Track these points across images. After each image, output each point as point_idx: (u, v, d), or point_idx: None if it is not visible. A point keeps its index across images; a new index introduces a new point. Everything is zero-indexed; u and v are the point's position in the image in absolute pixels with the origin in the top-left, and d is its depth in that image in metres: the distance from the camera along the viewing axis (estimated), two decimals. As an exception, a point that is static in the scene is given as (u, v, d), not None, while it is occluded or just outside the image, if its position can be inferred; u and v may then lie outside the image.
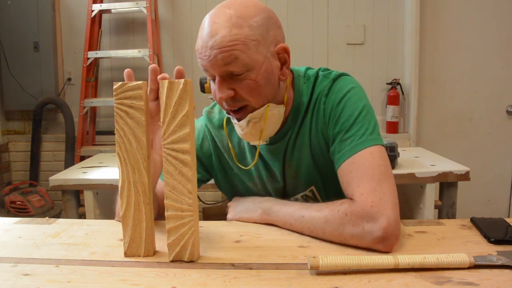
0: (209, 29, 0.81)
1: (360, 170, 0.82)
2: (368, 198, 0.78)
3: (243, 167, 1.00)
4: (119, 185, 0.75)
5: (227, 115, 0.94)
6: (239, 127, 0.90)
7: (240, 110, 0.88)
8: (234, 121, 0.91)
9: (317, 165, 0.97)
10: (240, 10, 0.82)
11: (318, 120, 0.94)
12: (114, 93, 0.74)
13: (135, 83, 0.73)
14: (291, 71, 0.98)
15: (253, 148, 0.99)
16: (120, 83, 0.74)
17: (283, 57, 0.89)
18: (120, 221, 0.78)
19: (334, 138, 0.90)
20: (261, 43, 0.83)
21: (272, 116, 0.90)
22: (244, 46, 0.81)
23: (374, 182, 0.80)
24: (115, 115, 0.74)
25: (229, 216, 0.98)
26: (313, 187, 1.00)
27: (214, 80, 0.86)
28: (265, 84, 0.86)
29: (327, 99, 0.92)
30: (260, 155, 0.99)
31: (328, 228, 0.79)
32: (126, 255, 0.76)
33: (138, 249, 0.76)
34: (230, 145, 1.01)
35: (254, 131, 0.90)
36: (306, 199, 1.02)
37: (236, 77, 0.84)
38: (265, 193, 1.02)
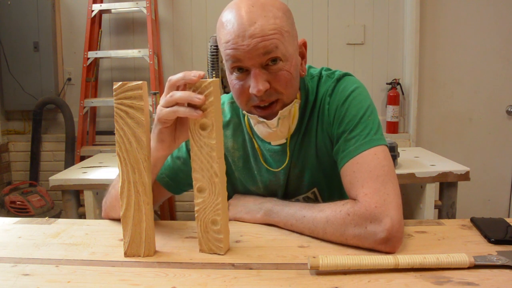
0: (244, 19, 0.80)
1: (365, 170, 0.82)
2: (372, 199, 0.77)
3: (274, 170, 0.97)
4: (119, 185, 0.75)
5: (248, 114, 0.90)
6: (269, 126, 0.87)
7: (270, 106, 0.86)
8: (260, 119, 0.87)
9: (321, 167, 0.97)
10: (270, 2, 0.83)
11: (323, 120, 0.93)
12: (114, 93, 0.74)
13: (135, 83, 0.73)
14: None
15: (255, 152, 0.99)
16: (120, 83, 0.74)
17: (302, 51, 0.91)
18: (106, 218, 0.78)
19: (338, 137, 0.89)
20: (291, 35, 0.85)
21: (295, 112, 0.90)
22: (281, 36, 0.81)
23: (378, 183, 0.79)
24: (115, 115, 0.74)
25: (229, 214, 0.97)
26: (315, 189, 1.00)
27: (239, 72, 0.83)
28: (295, 77, 0.86)
29: (331, 99, 0.92)
30: (264, 157, 0.98)
31: (329, 228, 0.79)
32: (126, 255, 0.76)
33: (138, 249, 0.76)
34: (255, 141, 0.97)
35: (283, 128, 0.89)
36: (307, 201, 1.01)
37: (271, 68, 0.82)
38: (268, 194, 1.01)
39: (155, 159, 0.82)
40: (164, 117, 0.74)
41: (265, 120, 0.87)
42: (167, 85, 0.75)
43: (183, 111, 0.72)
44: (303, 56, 0.91)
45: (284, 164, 0.96)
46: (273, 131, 0.88)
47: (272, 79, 0.83)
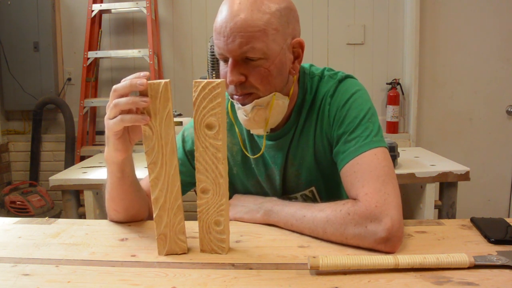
0: (231, 10, 0.81)
1: (365, 170, 0.82)
2: (372, 198, 0.78)
3: (251, 156, 0.98)
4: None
5: (230, 99, 0.92)
6: (243, 112, 0.88)
7: (246, 96, 0.87)
8: (237, 105, 0.89)
9: (319, 166, 0.97)
10: None
11: (323, 120, 0.94)
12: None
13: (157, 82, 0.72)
14: None
15: (255, 144, 0.99)
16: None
17: (297, 51, 0.90)
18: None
19: (338, 139, 0.90)
20: (280, 33, 0.84)
21: (277, 106, 0.89)
22: (263, 34, 0.81)
23: (379, 183, 0.79)
24: None
25: (229, 215, 0.97)
26: (313, 188, 1.00)
27: (225, 61, 0.86)
28: (276, 75, 0.86)
29: (332, 100, 0.92)
30: (256, 149, 0.99)
31: (329, 228, 0.79)
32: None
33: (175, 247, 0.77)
34: (237, 129, 0.99)
35: (258, 118, 0.89)
36: (305, 199, 1.01)
37: (250, 62, 0.83)
38: (266, 190, 1.02)
39: (120, 161, 0.80)
40: (112, 129, 0.73)
41: (241, 106, 0.88)
42: (111, 94, 0.73)
43: (129, 118, 0.70)
44: (297, 56, 0.90)
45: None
46: (248, 118, 0.89)
47: (249, 73, 0.84)
